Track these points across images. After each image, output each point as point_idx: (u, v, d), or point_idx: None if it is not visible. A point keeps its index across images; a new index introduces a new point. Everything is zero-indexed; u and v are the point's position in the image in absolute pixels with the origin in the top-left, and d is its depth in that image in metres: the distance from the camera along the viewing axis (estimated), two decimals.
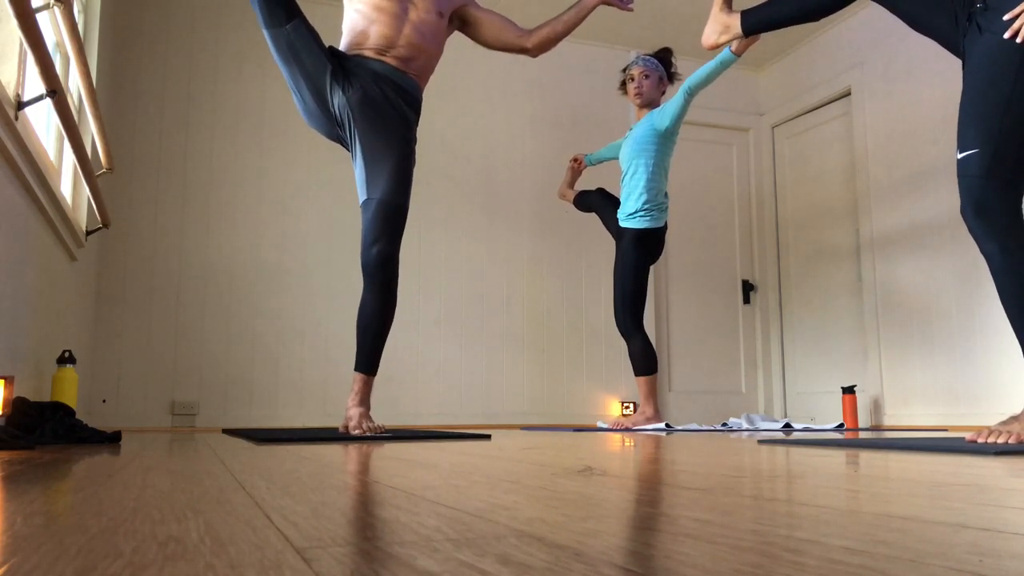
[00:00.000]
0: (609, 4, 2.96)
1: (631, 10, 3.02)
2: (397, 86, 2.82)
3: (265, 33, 2.73)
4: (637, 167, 3.78)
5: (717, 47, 2.49)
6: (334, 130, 2.84)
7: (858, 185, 4.80)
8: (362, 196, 2.77)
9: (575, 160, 4.29)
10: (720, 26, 2.44)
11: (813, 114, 5.28)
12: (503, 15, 3.04)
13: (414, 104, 2.88)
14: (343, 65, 2.78)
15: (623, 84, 3.99)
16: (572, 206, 4.32)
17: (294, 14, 2.70)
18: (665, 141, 3.78)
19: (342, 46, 2.88)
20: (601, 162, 4.28)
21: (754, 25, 2.38)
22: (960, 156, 1.95)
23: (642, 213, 3.75)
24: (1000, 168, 1.89)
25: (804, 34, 5.20)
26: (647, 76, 3.86)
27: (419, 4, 2.85)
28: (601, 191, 4.09)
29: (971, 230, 1.94)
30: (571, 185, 4.29)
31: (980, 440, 1.88)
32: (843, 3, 2.23)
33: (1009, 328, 3.80)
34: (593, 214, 4.18)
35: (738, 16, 2.39)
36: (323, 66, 2.73)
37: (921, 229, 4.37)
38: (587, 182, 4.38)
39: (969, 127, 1.95)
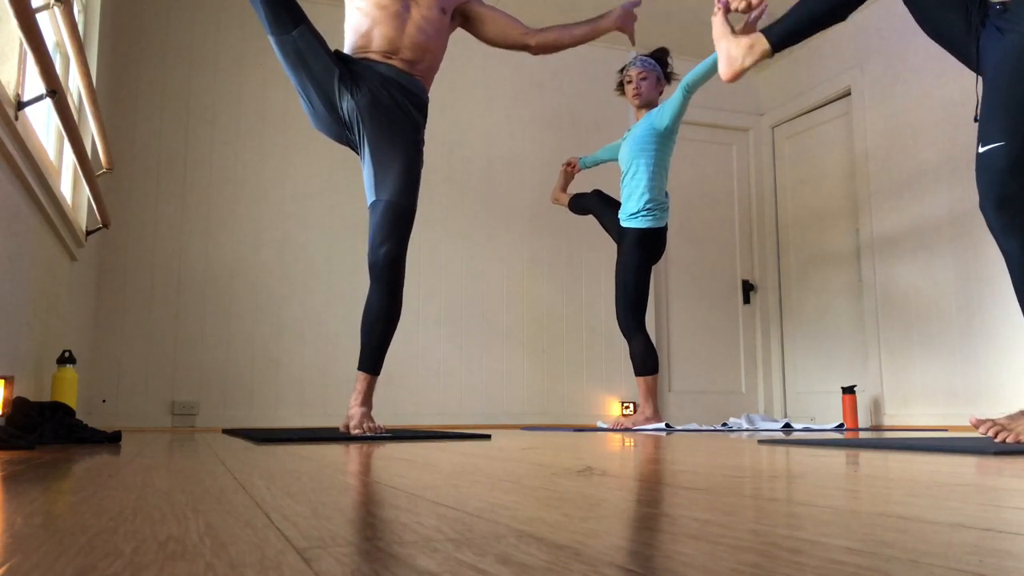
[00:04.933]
0: (622, 31, 3.08)
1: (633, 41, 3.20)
2: (404, 89, 2.82)
3: (272, 40, 2.72)
4: (638, 167, 3.78)
5: (744, 72, 2.31)
6: (343, 134, 2.84)
7: (858, 185, 4.80)
8: (370, 198, 2.77)
9: (568, 164, 4.30)
10: (742, 49, 2.27)
11: (813, 114, 5.28)
12: (505, 12, 3.05)
13: (421, 106, 2.89)
14: (350, 69, 2.78)
15: (620, 85, 3.99)
16: (567, 209, 4.32)
17: (300, 20, 2.69)
18: (665, 140, 3.78)
19: (347, 48, 2.88)
20: (597, 164, 4.28)
21: (782, 37, 2.22)
22: (982, 150, 1.90)
23: (644, 213, 3.75)
24: None
25: None
26: (644, 77, 3.87)
27: (421, 1, 2.85)
28: (598, 193, 4.09)
29: (990, 225, 1.89)
30: (564, 189, 4.29)
31: (982, 431, 1.89)
32: None
33: (1009, 328, 3.80)
34: (590, 216, 4.18)
35: (760, 34, 2.24)
36: (330, 71, 2.73)
37: (921, 229, 4.37)
38: (582, 185, 4.38)
39: (994, 121, 1.90)
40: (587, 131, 5.13)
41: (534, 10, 4.88)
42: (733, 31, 2.34)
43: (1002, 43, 1.93)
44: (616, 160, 4.07)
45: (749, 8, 2.31)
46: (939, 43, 2.14)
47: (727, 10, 2.37)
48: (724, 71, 2.34)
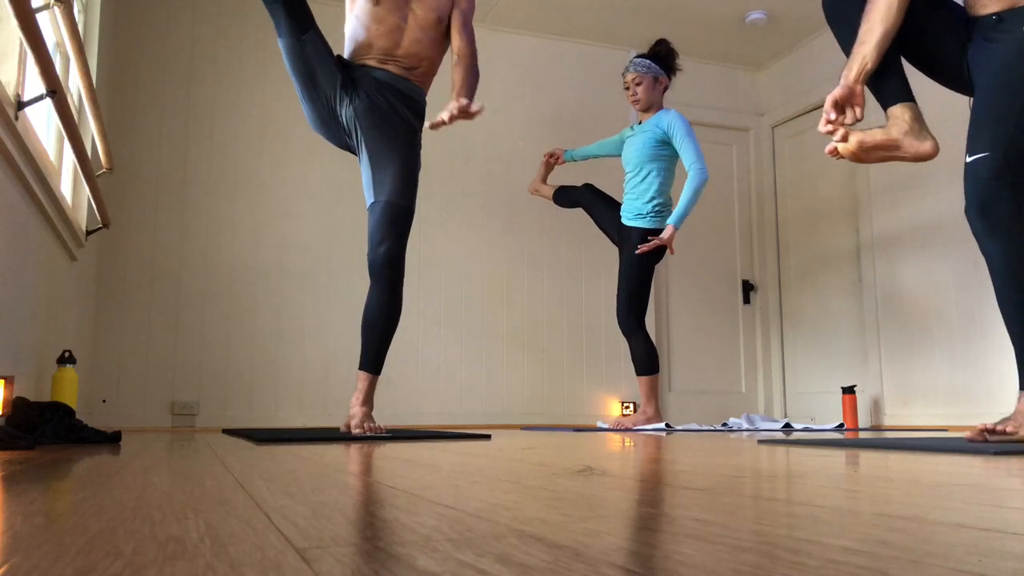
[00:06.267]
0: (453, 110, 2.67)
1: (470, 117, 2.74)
2: (401, 93, 2.86)
3: (282, 43, 2.75)
4: (650, 171, 3.80)
5: (933, 137, 2.08)
6: (342, 139, 2.89)
7: (858, 185, 4.80)
8: (369, 199, 2.81)
9: (551, 155, 4.27)
10: (916, 126, 2.09)
11: (813, 114, 5.27)
12: (466, 18, 2.98)
13: (418, 110, 2.92)
14: (350, 75, 2.82)
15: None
16: (565, 209, 4.30)
17: (310, 26, 2.73)
18: (675, 149, 3.82)
19: (346, 54, 2.92)
20: (587, 159, 4.26)
21: (906, 87, 2.12)
22: (970, 159, 1.97)
23: (652, 214, 3.78)
24: (1008, 171, 1.93)
25: (804, 34, 5.20)
26: (639, 83, 3.85)
27: (418, 11, 2.87)
28: (589, 187, 4.08)
29: (974, 229, 1.97)
30: (544, 180, 4.28)
31: (979, 438, 1.88)
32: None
33: None
34: (580, 210, 4.17)
35: (897, 107, 2.11)
36: (333, 78, 2.78)
37: (921, 229, 4.37)
38: (571, 178, 4.37)
39: (982, 130, 1.97)
40: (587, 130, 5.12)
41: (533, 9, 4.88)
42: (881, 127, 2.16)
43: (991, 53, 1.98)
44: (611, 156, 4.07)
45: (861, 115, 2.20)
46: (934, 78, 2.16)
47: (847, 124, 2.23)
48: (924, 151, 2.08)
